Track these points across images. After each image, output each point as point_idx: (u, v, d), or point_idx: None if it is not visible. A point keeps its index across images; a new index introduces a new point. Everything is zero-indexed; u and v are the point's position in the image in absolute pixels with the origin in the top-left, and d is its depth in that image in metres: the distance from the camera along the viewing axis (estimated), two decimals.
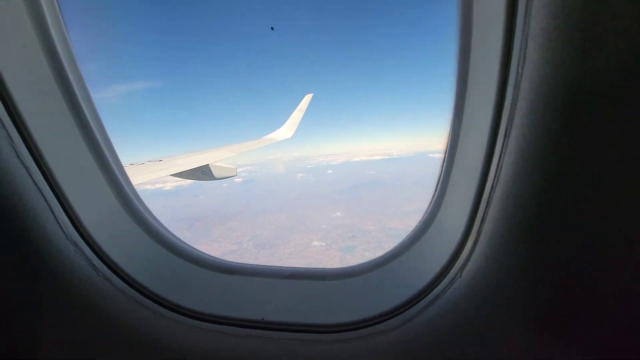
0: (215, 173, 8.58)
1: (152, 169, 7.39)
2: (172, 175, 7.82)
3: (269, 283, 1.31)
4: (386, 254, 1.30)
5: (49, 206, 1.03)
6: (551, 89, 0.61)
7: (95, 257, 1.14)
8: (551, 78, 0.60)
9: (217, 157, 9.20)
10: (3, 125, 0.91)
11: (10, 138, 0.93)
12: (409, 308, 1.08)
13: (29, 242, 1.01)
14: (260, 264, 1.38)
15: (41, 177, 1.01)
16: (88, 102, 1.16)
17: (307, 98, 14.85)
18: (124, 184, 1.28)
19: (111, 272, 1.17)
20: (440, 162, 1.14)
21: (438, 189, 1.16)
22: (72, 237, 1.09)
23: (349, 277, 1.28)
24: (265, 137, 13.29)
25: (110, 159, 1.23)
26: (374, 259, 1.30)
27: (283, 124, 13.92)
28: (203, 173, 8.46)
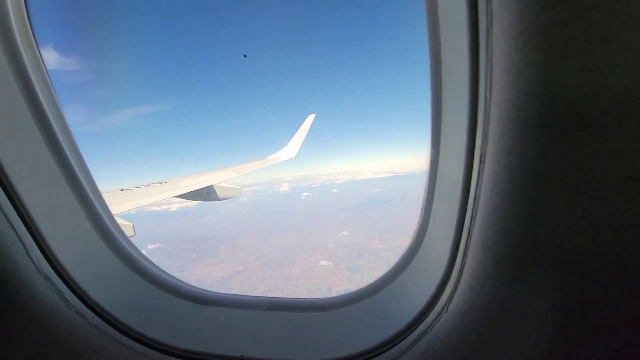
0: (220, 194, 8.61)
1: (157, 190, 7.48)
2: (177, 196, 7.90)
3: (247, 315, 1.26)
4: (370, 285, 1.26)
5: (19, 237, 0.98)
6: (520, 113, 0.61)
7: (68, 289, 1.09)
8: (519, 102, 0.60)
9: (221, 177, 9.32)
10: None
11: None
12: (396, 344, 1.03)
13: None
14: (240, 294, 1.34)
15: (10, 206, 0.97)
16: (64, 130, 1.12)
17: (310, 118, 15.14)
18: (100, 212, 1.24)
19: (83, 306, 1.11)
20: (422, 192, 1.11)
21: (421, 220, 1.14)
22: (43, 270, 1.03)
23: (331, 309, 1.23)
24: (269, 157, 13.58)
25: (86, 186, 1.19)
26: (357, 291, 1.26)
27: (286, 144, 14.24)
28: (208, 194, 8.49)
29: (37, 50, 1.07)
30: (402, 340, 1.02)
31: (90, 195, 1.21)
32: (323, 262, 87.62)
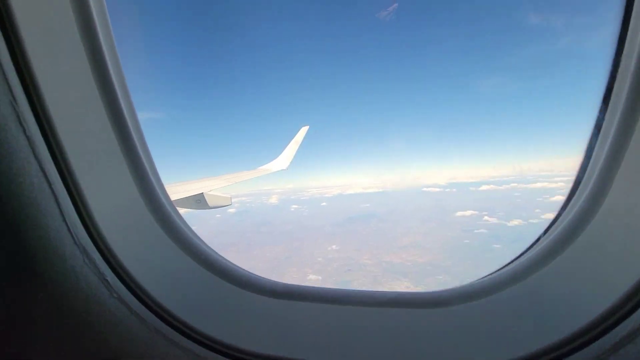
0: (210, 202, 8.24)
1: None
2: None
3: (339, 313, 0.99)
4: (501, 272, 0.98)
5: (54, 195, 0.76)
6: None
7: (109, 269, 0.88)
8: None
9: (211, 186, 9.00)
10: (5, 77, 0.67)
11: (14, 99, 0.69)
12: (575, 350, 0.75)
13: (24, 242, 0.74)
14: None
15: (47, 152, 0.75)
16: (125, 96, 0.94)
17: (303, 130, 15.00)
18: (152, 179, 1.02)
19: (128, 292, 0.90)
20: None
21: (601, 167, 0.84)
22: (80, 242, 0.81)
23: (471, 300, 0.95)
24: (260, 167, 13.43)
25: (142, 155, 0.99)
26: (496, 274, 0.99)
27: (278, 155, 14.12)
28: (197, 202, 8.11)
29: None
30: (584, 346, 0.75)
31: (146, 165, 1.00)
32: (312, 276, 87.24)
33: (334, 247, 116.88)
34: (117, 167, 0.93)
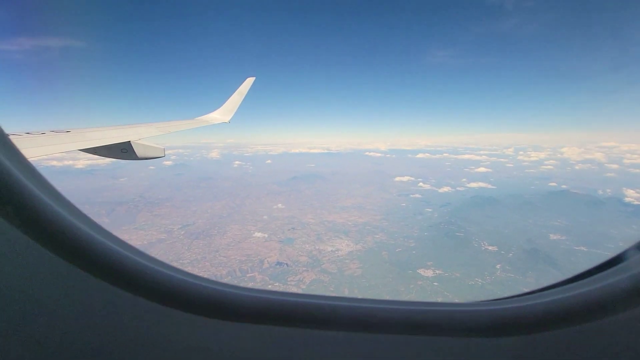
0: (138, 152, 7.43)
1: (56, 140, 5.89)
2: (82, 150, 6.50)
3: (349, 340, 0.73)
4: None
5: None
6: None
7: None
8: None
9: (141, 134, 7.85)
10: None
11: None
12: None
13: None
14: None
15: None
16: None
17: (249, 81, 13.58)
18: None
19: None
20: None
21: None
22: None
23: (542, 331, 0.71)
24: (199, 118, 11.93)
25: None
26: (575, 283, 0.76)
27: (220, 106, 12.68)
28: (123, 151, 7.28)
29: None
30: None
31: None
32: (258, 234, 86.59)
33: (279, 205, 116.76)
34: None
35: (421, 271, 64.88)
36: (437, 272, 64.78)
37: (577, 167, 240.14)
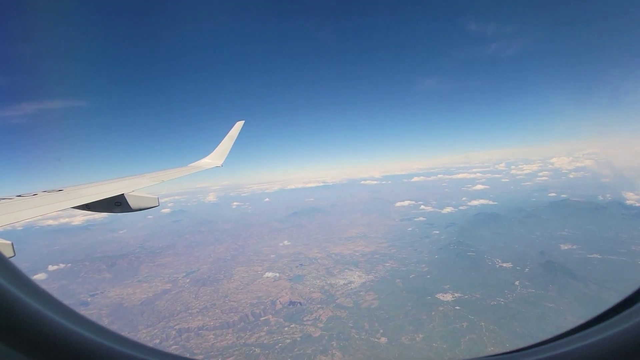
0: (132, 204, 7.44)
1: (49, 200, 5.92)
2: (76, 207, 6.47)
3: None
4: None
5: None
6: None
7: None
8: None
9: (134, 185, 7.92)
10: None
11: None
12: None
13: None
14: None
15: None
16: None
17: (239, 125, 13.96)
18: None
19: None
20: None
21: None
22: None
23: None
24: (191, 164, 12.05)
25: None
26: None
27: (211, 151, 12.93)
28: (117, 204, 7.27)
29: None
30: None
31: None
32: (268, 274, 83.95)
33: (285, 242, 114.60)
34: None
35: (440, 296, 62.64)
36: (456, 295, 62.60)
37: (570, 176, 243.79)
